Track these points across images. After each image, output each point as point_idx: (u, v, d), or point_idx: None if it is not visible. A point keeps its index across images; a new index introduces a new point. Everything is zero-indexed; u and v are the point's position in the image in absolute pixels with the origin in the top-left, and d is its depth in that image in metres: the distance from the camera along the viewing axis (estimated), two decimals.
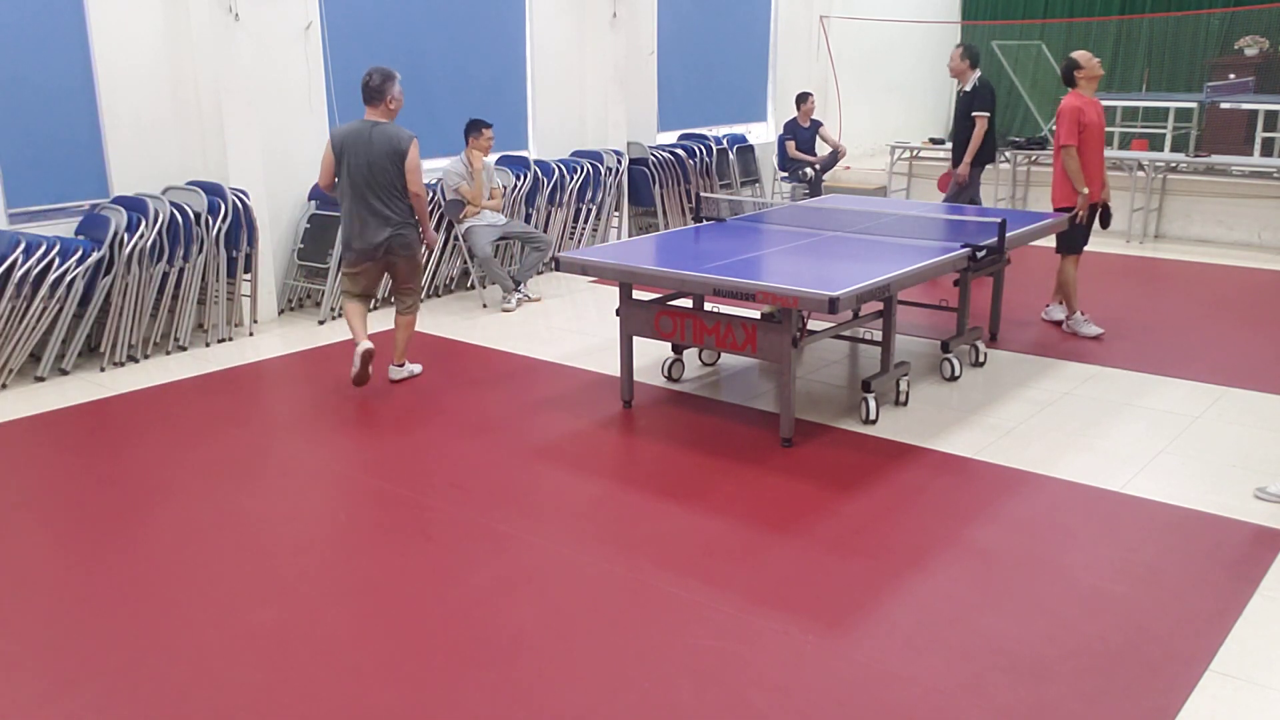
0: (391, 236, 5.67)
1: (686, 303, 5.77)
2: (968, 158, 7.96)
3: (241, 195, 6.89)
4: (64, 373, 6.17)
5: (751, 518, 4.22)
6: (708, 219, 6.65)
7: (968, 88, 7.97)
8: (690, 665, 3.22)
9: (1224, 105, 9.99)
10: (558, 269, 5.68)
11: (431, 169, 8.71)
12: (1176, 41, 11.02)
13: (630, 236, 9.60)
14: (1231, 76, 10.57)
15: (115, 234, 6.16)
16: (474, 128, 7.62)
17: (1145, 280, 8.58)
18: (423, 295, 6.05)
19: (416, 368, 6.09)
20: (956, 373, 5.86)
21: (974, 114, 7.91)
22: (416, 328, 6.05)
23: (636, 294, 5.41)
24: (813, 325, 5.51)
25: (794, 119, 10.68)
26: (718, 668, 3.21)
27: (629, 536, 4.08)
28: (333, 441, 5.16)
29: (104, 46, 6.62)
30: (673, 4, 10.54)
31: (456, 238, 7.89)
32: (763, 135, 11.95)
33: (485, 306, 7.71)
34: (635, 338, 5.43)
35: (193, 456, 4.96)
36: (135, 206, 6.39)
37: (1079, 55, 6.69)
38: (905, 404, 5.47)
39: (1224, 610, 3.50)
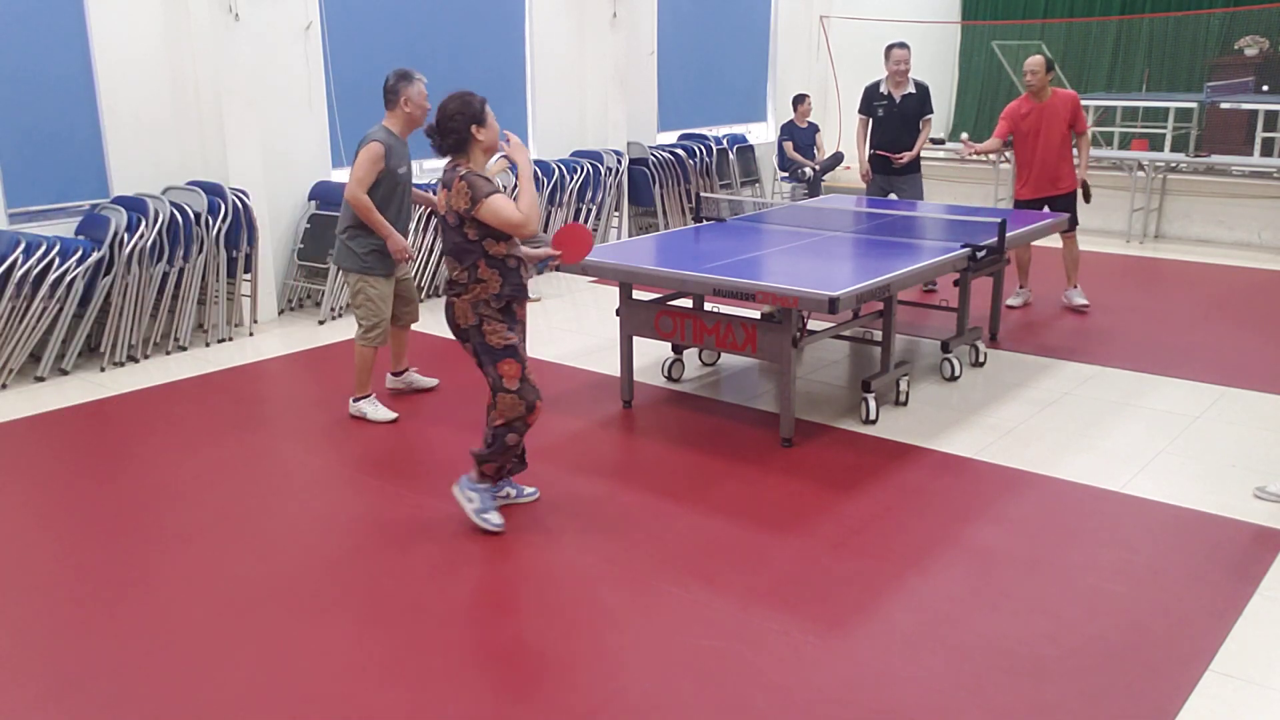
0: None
1: (686, 303, 5.76)
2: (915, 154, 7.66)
3: (241, 195, 6.89)
4: (64, 373, 6.17)
5: (751, 518, 4.22)
6: (708, 219, 6.65)
7: (911, 89, 7.57)
8: (690, 665, 3.22)
9: (1224, 105, 9.98)
10: (558, 269, 5.68)
11: (434, 169, 8.73)
12: (1176, 41, 11.00)
13: (630, 236, 9.60)
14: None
15: (115, 234, 6.16)
16: None
17: (1145, 280, 8.58)
18: (369, 326, 5.26)
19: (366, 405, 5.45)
20: (956, 373, 5.86)
21: (929, 116, 7.65)
22: (414, 327, 5.93)
23: (636, 294, 5.41)
24: (813, 325, 5.51)
25: (791, 120, 10.68)
26: (718, 668, 3.21)
27: (629, 537, 4.08)
28: (333, 441, 5.16)
29: (104, 46, 6.62)
30: (673, 4, 10.53)
31: None
32: (763, 135, 11.95)
33: None
34: (635, 338, 5.43)
35: (193, 456, 4.96)
36: (135, 206, 6.39)
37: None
38: (905, 404, 5.47)
39: (1224, 610, 3.50)
